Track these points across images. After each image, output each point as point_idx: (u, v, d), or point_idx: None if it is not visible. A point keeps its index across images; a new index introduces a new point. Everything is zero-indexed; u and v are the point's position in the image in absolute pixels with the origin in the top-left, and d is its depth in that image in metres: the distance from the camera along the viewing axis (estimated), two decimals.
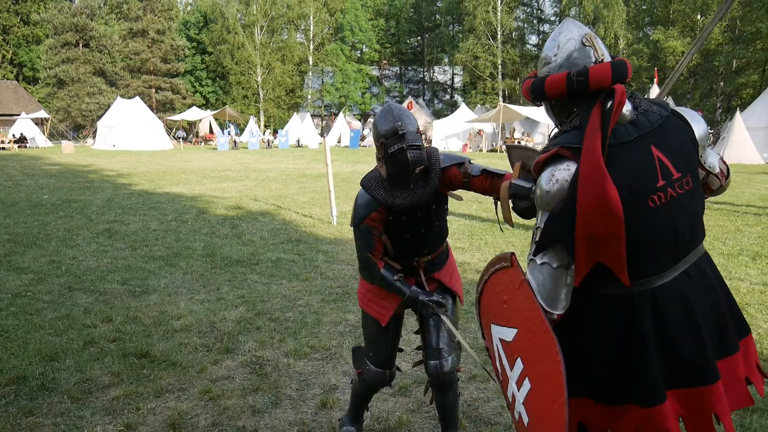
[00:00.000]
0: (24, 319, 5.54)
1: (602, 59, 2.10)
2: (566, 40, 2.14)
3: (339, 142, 43.08)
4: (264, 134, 46.75)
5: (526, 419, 2.08)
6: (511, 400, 2.18)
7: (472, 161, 3.11)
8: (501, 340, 2.21)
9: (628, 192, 1.97)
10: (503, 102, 40.85)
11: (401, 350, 3.45)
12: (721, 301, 2.20)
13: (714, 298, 2.17)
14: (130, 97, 42.61)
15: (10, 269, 7.40)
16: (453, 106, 54.17)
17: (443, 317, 3.01)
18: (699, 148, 2.21)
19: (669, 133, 2.11)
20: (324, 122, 56.47)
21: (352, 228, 3.08)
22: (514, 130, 39.27)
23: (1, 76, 57.82)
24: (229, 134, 39.98)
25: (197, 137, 48.96)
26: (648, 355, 2.04)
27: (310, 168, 23.36)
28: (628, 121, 2.09)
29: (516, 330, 2.10)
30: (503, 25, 49.13)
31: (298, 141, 43.72)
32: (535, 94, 2.20)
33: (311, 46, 56.22)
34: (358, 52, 59.94)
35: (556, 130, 2.28)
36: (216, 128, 46.86)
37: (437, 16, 60.98)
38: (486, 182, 3.00)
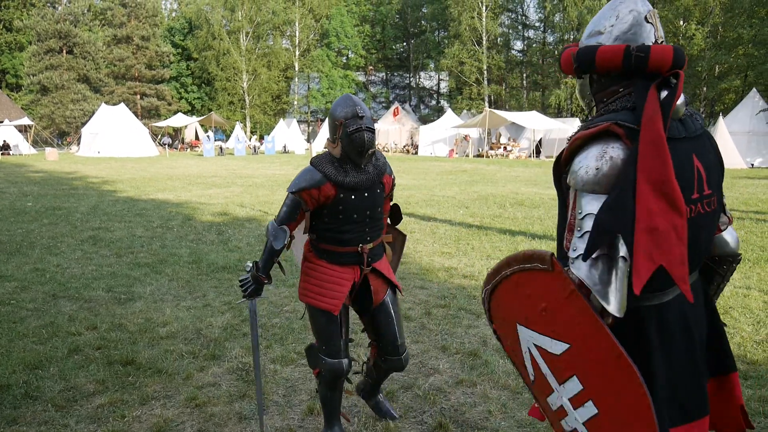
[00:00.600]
0: (7, 328, 5.49)
1: (662, 41, 1.93)
2: (628, 11, 1.91)
3: (325, 147, 42.93)
4: (250, 140, 46.63)
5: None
6: (556, 408, 1.95)
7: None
8: (538, 347, 1.94)
9: None
10: (489, 107, 41.04)
11: (351, 340, 3.51)
12: (704, 330, 2.10)
13: (701, 324, 2.07)
14: (114, 104, 42.37)
15: None
16: (439, 112, 54.39)
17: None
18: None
19: (709, 148, 1.98)
20: (310, 128, 56.45)
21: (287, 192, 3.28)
22: (500, 135, 39.45)
23: None
24: (208, 138, 39.79)
25: (183, 144, 48.75)
26: (654, 374, 1.86)
27: (297, 174, 23.32)
28: (679, 117, 1.90)
29: (568, 345, 1.83)
30: (488, 30, 49.39)
31: (285, 147, 43.65)
32: (581, 63, 1.95)
33: (297, 52, 56.20)
34: (344, 58, 60.03)
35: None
36: (202, 134, 46.74)
37: (423, 22, 61.24)
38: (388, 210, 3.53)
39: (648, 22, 1.89)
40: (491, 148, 37.25)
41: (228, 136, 48.13)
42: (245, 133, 50.98)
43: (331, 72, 55.98)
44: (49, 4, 56.26)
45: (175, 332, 5.39)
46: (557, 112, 47.76)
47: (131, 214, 12.42)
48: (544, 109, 48.95)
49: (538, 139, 36.20)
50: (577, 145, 1.88)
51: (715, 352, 2.11)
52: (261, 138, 49.14)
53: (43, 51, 50.18)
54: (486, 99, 50.57)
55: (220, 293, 6.66)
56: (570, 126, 36.08)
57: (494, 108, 43.79)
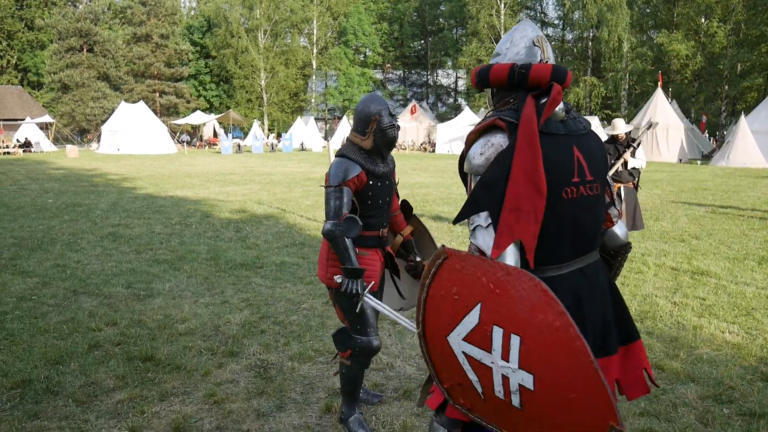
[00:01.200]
0: (29, 323, 5.55)
1: (547, 61, 2.31)
2: (520, 38, 2.34)
3: (350, 141, 43.00)
4: (268, 138, 46.79)
5: (530, 380, 1.93)
6: (503, 390, 2.02)
7: None
8: (465, 338, 2.06)
9: (548, 178, 2.10)
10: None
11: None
12: (608, 305, 2.35)
13: (604, 299, 2.33)
14: (134, 102, 42.72)
15: (15, 273, 7.41)
16: (457, 110, 54.24)
17: (375, 303, 3.36)
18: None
19: (591, 143, 2.33)
20: (328, 126, 56.55)
21: (327, 189, 3.43)
22: None
23: (6, 81, 58.02)
24: (226, 136, 39.96)
25: (201, 141, 49.04)
26: None
27: (314, 171, 23.37)
28: (560, 119, 2.27)
29: (479, 303, 2.00)
30: (506, 28, 49.09)
31: (302, 144, 43.76)
32: (480, 80, 2.36)
33: (315, 50, 56.29)
34: (362, 55, 60.00)
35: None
36: (220, 132, 46.97)
37: (440, 19, 61.07)
38: (397, 206, 3.81)
39: (536, 45, 2.32)
40: None
41: (246, 134, 48.33)
42: (263, 130, 51.18)
43: (349, 70, 56.00)
44: (70, 3, 56.95)
45: (193, 329, 5.42)
46: (576, 110, 47.35)
47: (150, 211, 12.51)
48: None
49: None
50: (471, 139, 2.27)
51: (621, 325, 2.40)
52: (278, 135, 49.32)
53: (64, 49, 50.73)
54: None
55: (238, 290, 6.69)
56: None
57: None
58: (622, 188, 8.31)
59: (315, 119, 51.85)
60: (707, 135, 40.48)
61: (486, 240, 2.10)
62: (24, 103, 50.59)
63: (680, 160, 31.14)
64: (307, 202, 14.04)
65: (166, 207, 13.22)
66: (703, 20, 41.03)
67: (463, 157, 2.33)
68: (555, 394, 1.90)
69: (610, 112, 47.45)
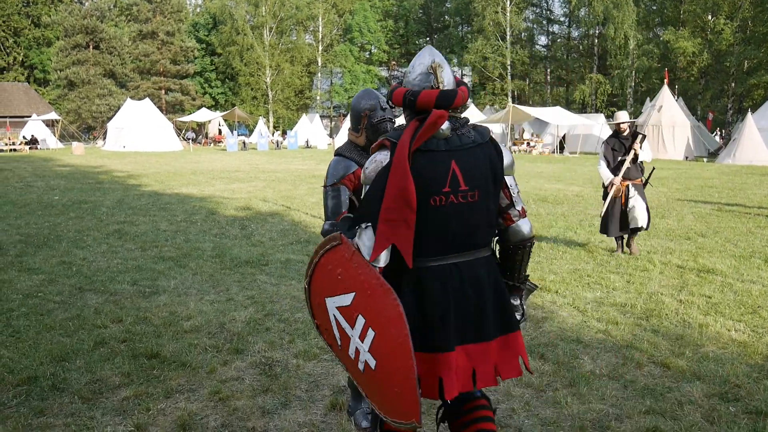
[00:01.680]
0: (35, 320, 5.57)
1: (439, 86, 2.59)
2: (418, 64, 2.65)
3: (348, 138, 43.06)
4: (273, 135, 46.83)
5: (373, 363, 2.46)
6: (354, 356, 2.55)
7: None
8: (338, 307, 2.57)
9: (418, 189, 2.47)
10: (512, 103, 40.77)
11: None
12: (487, 298, 2.65)
13: (482, 292, 2.64)
14: (139, 99, 42.80)
15: (21, 270, 7.44)
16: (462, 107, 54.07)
17: None
18: (502, 174, 2.69)
19: (473, 155, 2.59)
20: (333, 123, 56.54)
21: (325, 189, 3.44)
22: (524, 131, 39.20)
23: (13, 78, 58.24)
24: (231, 134, 40.04)
25: (206, 138, 49.12)
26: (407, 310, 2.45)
27: (319, 169, 23.38)
28: (444, 137, 2.58)
29: (354, 293, 2.49)
30: (512, 25, 49.04)
31: (307, 142, 43.78)
32: (389, 100, 2.72)
33: (320, 47, 56.30)
34: (367, 53, 60.00)
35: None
36: (225, 129, 47.00)
37: (446, 17, 60.99)
38: None
39: (429, 72, 2.60)
40: (514, 144, 37.03)
41: (251, 131, 48.38)
42: (268, 128, 51.23)
43: (354, 67, 55.99)
44: (76, 0, 57.09)
45: (198, 326, 5.43)
46: (581, 108, 47.32)
47: (156, 208, 12.54)
48: (568, 105, 48.53)
49: (562, 135, 35.88)
50: (371, 153, 2.68)
51: (501, 316, 2.69)
52: (284, 133, 49.32)
53: (70, 46, 50.88)
54: (509, 94, 50.28)
55: (244, 287, 6.69)
56: (594, 122, 35.70)
57: (517, 103, 43.43)
58: (630, 185, 8.06)
59: (320, 117, 51.86)
60: (719, 132, 40.27)
61: (363, 240, 2.53)
62: (30, 100, 50.81)
63: (686, 158, 31.03)
64: (312, 200, 14.05)
65: (171, 204, 13.25)
66: (709, 17, 40.83)
67: None
68: (386, 382, 2.44)
69: (616, 110, 47.29)
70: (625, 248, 8.38)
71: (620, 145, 8.06)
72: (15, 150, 36.58)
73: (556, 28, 56.91)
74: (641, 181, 8.16)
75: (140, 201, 13.80)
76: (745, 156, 26.69)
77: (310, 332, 5.27)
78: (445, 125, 2.59)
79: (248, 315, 5.74)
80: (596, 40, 49.58)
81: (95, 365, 4.52)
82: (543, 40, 57.55)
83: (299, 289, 6.57)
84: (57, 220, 11.14)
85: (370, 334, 2.45)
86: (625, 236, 8.39)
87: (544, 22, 56.27)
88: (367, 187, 2.62)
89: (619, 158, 8.07)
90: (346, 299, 2.53)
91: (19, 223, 10.76)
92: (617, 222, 8.13)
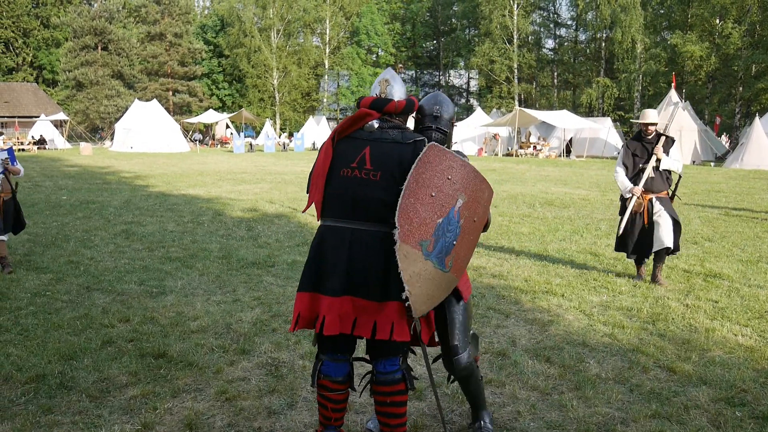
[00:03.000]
0: (43, 319, 5.60)
1: (381, 96, 3.25)
2: (376, 81, 3.34)
3: None
4: (280, 137, 46.91)
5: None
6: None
7: None
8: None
9: (335, 162, 3.18)
10: (519, 106, 40.73)
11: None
12: (374, 266, 3.06)
13: (368, 259, 3.07)
14: (147, 100, 42.94)
15: (29, 269, 7.48)
16: (469, 110, 54.15)
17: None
18: (409, 168, 3.08)
19: (385, 147, 3.16)
20: None
21: None
22: (530, 134, 39.14)
23: (22, 78, 58.55)
24: (237, 135, 40.09)
25: (213, 140, 49.24)
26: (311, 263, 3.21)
27: None
28: (369, 130, 3.20)
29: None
30: (519, 29, 49.03)
31: (314, 144, 43.83)
32: (357, 104, 3.36)
33: (327, 50, 56.39)
34: (374, 55, 60.06)
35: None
36: (233, 131, 47.10)
37: (453, 20, 60.98)
38: None
39: (378, 85, 3.29)
40: (521, 147, 36.98)
41: (258, 133, 48.46)
42: (275, 129, 51.32)
43: (361, 70, 56.07)
44: (85, 2, 57.50)
45: (205, 326, 5.46)
46: (588, 112, 47.22)
47: (163, 209, 12.59)
48: (575, 108, 48.43)
49: (569, 139, 35.83)
50: None
51: (383, 285, 3.06)
52: (290, 135, 49.41)
53: (79, 47, 51.12)
54: (516, 97, 50.22)
55: (250, 288, 6.72)
56: (601, 125, 35.66)
57: (524, 107, 43.46)
58: (654, 199, 6.75)
59: (327, 119, 51.94)
60: (727, 136, 40.10)
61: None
62: (39, 101, 51.05)
63: (693, 162, 30.95)
64: None
65: (178, 205, 13.29)
66: (717, 21, 40.72)
67: None
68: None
69: (623, 113, 47.25)
70: (646, 274, 7.13)
71: (643, 149, 6.81)
72: (24, 150, 36.76)
73: (563, 31, 56.87)
74: (668, 194, 6.84)
75: (147, 201, 13.85)
76: (752, 160, 26.61)
77: None
78: (375, 123, 3.21)
79: (255, 316, 5.76)
80: (603, 44, 49.49)
81: (103, 364, 4.55)
82: (550, 43, 57.49)
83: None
84: (65, 219, 11.19)
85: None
86: (648, 260, 7.11)
87: (551, 25, 56.21)
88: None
89: (640, 165, 6.80)
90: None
91: (27, 222, 10.81)
92: (637, 242, 6.85)
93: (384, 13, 59.59)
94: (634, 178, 6.79)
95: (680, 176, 6.96)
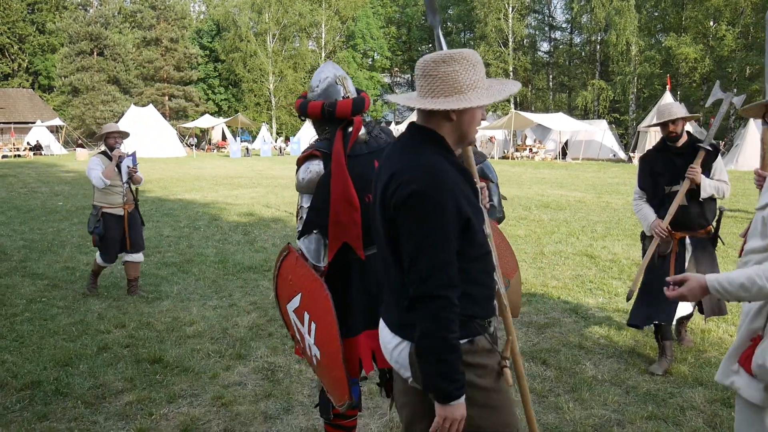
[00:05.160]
0: (39, 325, 5.59)
1: (348, 96, 2.92)
2: (324, 78, 2.94)
3: None
4: (276, 142, 46.88)
5: (318, 354, 2.83)
6: (309, 352, 2.92)
7: None
8: (293, 310, 2.96)
9: (355, 190, 2.78)
10: (515, 109, 40.79)
11: None
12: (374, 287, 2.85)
13: (375, 283, 2.82)
14: (143, 105, 42.89)
15: (25, 275, 7.47)
16: None
17: None
18: None
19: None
20: None
21: None
22: (526, 137, 39.20)
23: (17, 84, 58.40)
24: (235, 139, 40.05)
25: (210, 144, 49.19)
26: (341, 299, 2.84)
27: None
28: (363, 141, 2.91)
29: (300, 293, 2.89)
30: (515, 32, 49.12)
31: None
32: (301, 112, 2.98)
33: (323, 54, 56.40)
34: (370, 59, 60.10)
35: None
36: (229, 135, 47.09)
37: (449, 23, 61.04)
38: None
39: (337, 84, 2.92)
40: (517, 150, 37.02)
41: (254, 138, 48.45)
42: (271, 134, 51.29)
43: (357, 74, 56.06)
44: (80, 7, 57.32)
45: (201, 331, 5.45)
46: (584, 114, 47.31)
47: (159, 214, 12.57)
48: (571, 111, 48.48)
49: (564, 141, 35.88)
50: (298, 164, 2.95)
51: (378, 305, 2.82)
52: (287, 139, 49.39)
53: (75, 53, 51.03)
54: (511, 100, 50.25)
55: (246, 293, 6.71)
56: (597, 128, 35.71)
57: (520, 109, 43.48)
58: (687, 240, 4.59)
59: None
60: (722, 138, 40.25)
61: (307, 244, 2.90)
62: (35, 106, 50.95)
63: None
64: None
65: (174, 210, 13.28)
66: (711, 23, 40.84)
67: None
68: (327, 368, 2.81)
69: (618, 116, 47.33)
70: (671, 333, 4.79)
71: (668, 164, 4.56)
72: (19, 156, 36.69)
73: (558, 34, 56.96)
74: (708, 232, 4.66)
75: (143, 207, 13.71)
76: (747, 162, 26.69)
77: None
78: (363, 132, 2.94)
79: (251, 320, 5.76)
80: (598, 47, 49.56)
81: (98, 370, 4.54)
82: (545, 46, 57.58)
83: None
84: (61, 225, 11.17)
85: (313, 326, 2.84)
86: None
87: (546, 28, 56.31)
88: (306, 196, 2.91)
89: (666, 189, 4.56)
90: (296, 301, 2.93)
91: (23, 228, 10.80)
92: (656, 300, 4.31)
93: (379, 17, 59.65)
94: (660, 208, 4.58)
95: (721, 211, 4.76)
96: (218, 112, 57.74)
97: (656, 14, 47.22)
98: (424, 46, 63.31)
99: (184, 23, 56.08)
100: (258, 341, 5.21)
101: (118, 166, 6.63)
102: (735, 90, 39.41)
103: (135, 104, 43.15)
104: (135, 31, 56.15)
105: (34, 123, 43.18)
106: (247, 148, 40.54)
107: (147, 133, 37.32)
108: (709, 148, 4.45)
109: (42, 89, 61.58)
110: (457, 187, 2.00)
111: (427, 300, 1.90)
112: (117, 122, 40.99)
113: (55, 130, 44.56)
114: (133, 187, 6.88)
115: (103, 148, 6.84)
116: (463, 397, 1.96)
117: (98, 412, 3.93)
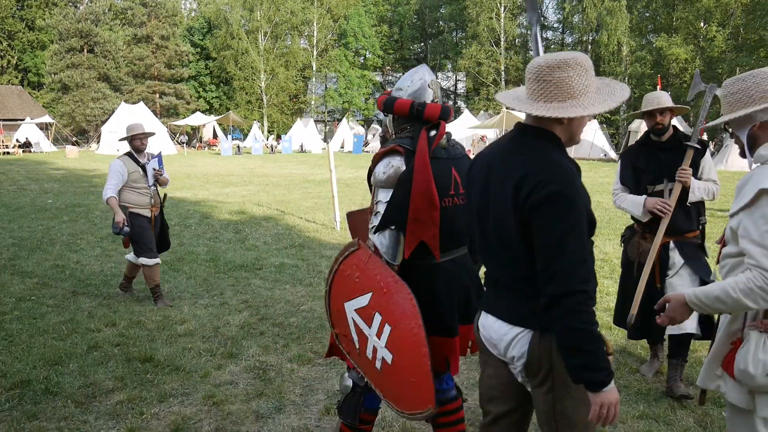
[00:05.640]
0: (28, 323, 5.55)
1: (436, 101, 2.95)
2: (419, 79, 2.97)
3: (342, 147, 43.14)
4: (267, 139, 46.77)
5: (390, 357, 2.76)
6: (372, 355, 2.85)
7: None
8: (356, 309, 2.91)
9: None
10: (506, 108, 40.84)
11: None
12: (470, 288, 2.98)
13: (470, 282, 2.99)
14: (134, 103, 42.67)
15: (14, 273, 7.41)
16: (456, 113, 54.15)
17: None
18: None
19: (463, 164, 2.94)
20: (327, 128, 56.53)
21: None
22: None
23: (6, 81, 57.94)
24: (226, 137, 39.92)
25: (201, 142, 49.02)
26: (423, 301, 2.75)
27: (314, 173, 23.38)
28: (443, 147, 2.93)
29: (371, 293, 2.82)
30: (506, 31, 49.22)
31: (302, 146, 43.74)
32: (386, 107, 2.98)
33: (315, 52, 56.30)
34: (362, 58, 60.00)
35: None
36: (220, 133, 46.95)
37: (440, 22, 61.09)
38: None
39: (429, 88, 2.95)
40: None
41: (245, 136, 48.33)
42: (262, 132, 51.16)
43: (349, 72, 56.00)
44: (70, 4, 56.98)
45: (192, 330, 5.43)
46: None
47: None
48: None
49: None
50: (377, 159, 2.91)
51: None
52: (278, 137, 49.31)
53: (65, 50, 50.68)
54: None
55: (237, 292, 6.69)
56: (587, 127, 35.81)
57: (511, 109, 43.53)
58: (672, 245, 4.16)
59: (314, 121, 51.84)
60: (713, 138, 40.50)
61: (382, 240, 2.83)
62: (24, 104, 50.54)
63: None
64: (306, 204, 14.04)
65: (165, 208, 13.19)
66: (702, 24, 41.07)
67: (370, 172, 2.97)
68: (403, 375, 2.73)
69: (609, 116, 47.48)
70: (664, 358, 4.51)
71: (651, 159, 4.23)
72: (8, 153, 36.43)
73: (549, 34, 57.08)
74: (697, 235, 4.29)
75: None
76: (736, 162, 26.82)
77: (305, 336, 5.27)
78: (444, 138, 2.94)
79: (242, 319, 5.74)
80: (590, 47, 49.72)
81: (89, 369, 4.51)
82: None
83: (293, 294, 6.58)
84: (50, 223, 11.10)
85: (387, 329, 2.77)
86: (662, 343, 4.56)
87: (538, 27, 56.43)
88: (384, 190, 2.85)
89: (649, 188, 4.20)
90: (364, 300, 2.86)
91: (12, 226, 10.72)
92: (641, 314, 3.91)
93: (371, 16, 59.55)
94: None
95: (702, 223, 4.32)
96: (209, 110, 57.50)
97: (647, 15, 47.44)
98: (415, 45, 63.37)
99: (175, 20, 55.77)
100: (249, 340, 5.19)
101: (143, 168, 6.38)
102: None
103: (125, 102, 42.91)
104: (125, 28, 55.81)
105: (23, 120, 42.86)
106: (238, 146, 40.41)
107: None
108: (698, 146, 4.09)
109: (31, 86, 61.13)
110: (583, 189, 2.13)
111: (570, 296, 1.98)
112: (107, 120, 40.93)
113: (44, 127, 44.26)
114: (160, 190, 6.71)
115: (128, 149, 6.52)
116: (613, 381, 2.05)
117: (88, 411, 3.90)
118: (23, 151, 38.00)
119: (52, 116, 47.37)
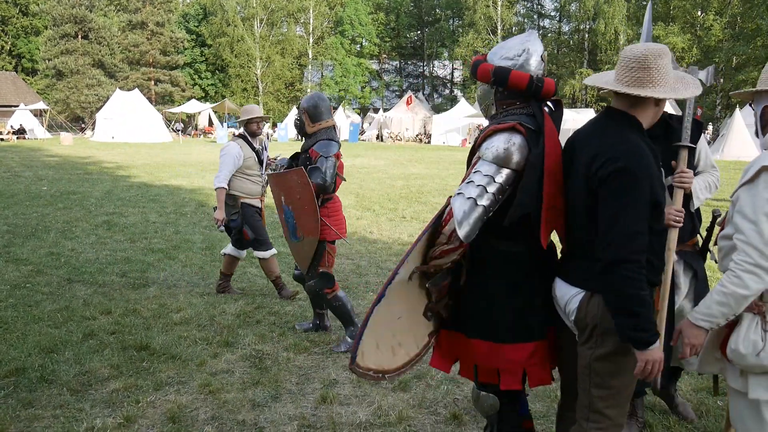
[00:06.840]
0: (23, 311, 5.53)
1: (547, 75, 2.71)
2: (534, 50, 2.65)
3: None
4: (263, 127, 46.61)
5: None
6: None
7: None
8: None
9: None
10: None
11: None
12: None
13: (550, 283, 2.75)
14: (129, 89, 42.44)
15: (9, 260, 7.38)
16: (452, 101, 54.09)
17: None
18: None
19: None
20: None
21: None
22: None
23: (0, 67, 57.61)
24: (222, 125, 39.82)
25: (196, 130, 48.83)
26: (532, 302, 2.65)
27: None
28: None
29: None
30: (503, 19, 49.00)
31: (297, 134, 43.58)
32: (497, 79, 2.64)
33: (311, 40, 56.04)
34: (358, 45, 59.70)
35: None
36: (215, 121, 46.78)
37: (437, 10, 60.81)
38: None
39: (543, 60, 2.66)
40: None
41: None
42: None
43: (345, 60, 55.74)
44: None
45: (188, 318, 5.42)
46: (571, 102, 47.43)
47: (145, 200, 12.47)
48: None
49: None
50: (488, 134, 2.62)
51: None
52: (274, 125, 49.12)
53: (59, 36, 50.37)
54: None
55: (234, 280, 6.67)
56: (584, 116, 35.78)
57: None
58: (676, 257, 3.47)
59: None
60: (709, 127, 40.52)
61: (461, 206, 2.50)
62: (18, 90, 50.26)
63: None
64: None
65: (161, 196, 13.18)
66: (699, 13, 41.03)
67: (475, 147, 2.72)
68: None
69: (606, 105, 47.50)
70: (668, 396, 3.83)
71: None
72: (2, 139, 36.22)
73: (546, 22, 56.91)
74: (695, 243, 3.86)
75: (129, 192, 13.71)
76: (733, 151, 26.89)
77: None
78: None
79: (238, 308, 5.73)
80: (587, 35, 49.63)
81: (84, 357, 4.50)
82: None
83: (289, 282, 6.56)
84: (45, 210, 11.05)
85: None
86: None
87: (535, 16, 56.24)
88: (490, 165, 2.54)
89: None
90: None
91: (6, 213, 10.67)
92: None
93: (368, 3, 59.19)
94: None
95: (715, 216, 3.58)
96: (205, 98, 57.32)
97: (645, 3, 47.28)
98: (412, 33, 63.04)
99: (170, 7, 55.45)
100: (246, 328, 5.18)
101: (258, 154, 6.07)
102: (721, 79, 39.59)
103: (120, 88, 42.67)
104: (120, 15, 55.43)
105: (17, 106, 42.57)
106: (233, 134, 40.28)
107: (132, 117, 36.98)
108: (691, 145, 3.22)
109: (25, 72, 60.81)
110: (653, 169, 2.29)
111: (622, 263, 2.17)
112: (102, 107, 40.72)
113: (38, 113, 43.99)
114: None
115: (241, 130, 6.22)
116: (659, 341, 2.24)
117: (84, 399, 3.89)
118: (17, 138, 37.79)
119: (47, 103, 47.09)
